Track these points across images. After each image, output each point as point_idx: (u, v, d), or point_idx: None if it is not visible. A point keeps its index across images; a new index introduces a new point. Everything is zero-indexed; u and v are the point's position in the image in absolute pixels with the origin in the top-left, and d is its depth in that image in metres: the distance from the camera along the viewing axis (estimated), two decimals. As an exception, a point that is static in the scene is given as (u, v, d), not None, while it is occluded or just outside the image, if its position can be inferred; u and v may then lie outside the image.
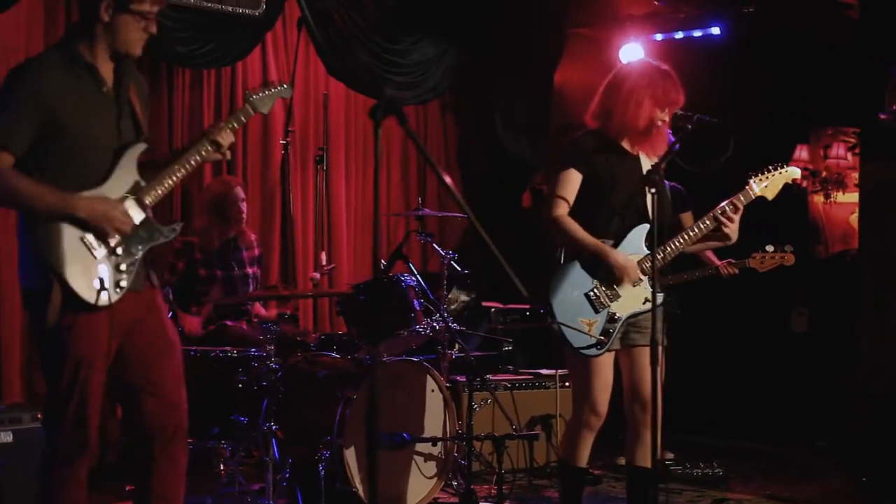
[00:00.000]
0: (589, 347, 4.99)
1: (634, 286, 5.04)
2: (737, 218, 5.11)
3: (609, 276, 5.01)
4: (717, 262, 6.61)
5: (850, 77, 7.84)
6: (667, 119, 5.06)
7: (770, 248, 6.02)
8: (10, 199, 4.05)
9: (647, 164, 5.14)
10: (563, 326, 4.96)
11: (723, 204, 5.15)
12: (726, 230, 5.14)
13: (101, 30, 4.13)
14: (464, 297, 7.54)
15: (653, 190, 4.75)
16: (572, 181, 5.07)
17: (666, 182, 6.99)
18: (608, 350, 5.04)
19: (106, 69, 4.20)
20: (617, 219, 5.07)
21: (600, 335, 4.99)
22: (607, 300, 5.02)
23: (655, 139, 5.09)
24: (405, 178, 9.19)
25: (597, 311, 5.02)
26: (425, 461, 6.16)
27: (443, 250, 7.05)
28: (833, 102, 8.49)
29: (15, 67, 4.16)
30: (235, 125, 4.45)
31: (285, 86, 4.68)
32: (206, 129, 4.47)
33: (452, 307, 7.41)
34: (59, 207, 4.01)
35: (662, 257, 5.08)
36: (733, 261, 6.46)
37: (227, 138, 4.38)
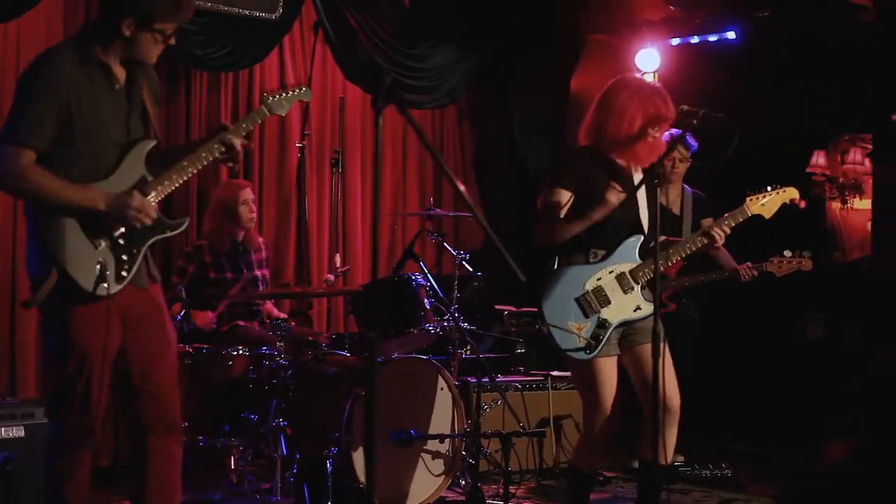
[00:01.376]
0: (577, 350, 5.03)
1: (626, 293, 5.07)
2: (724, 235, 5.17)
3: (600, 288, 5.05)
4: (736, 265, 6.59)
5: (866, 81, 7.84)
6: (658, 136, 5.09)
7: (787, 252, 6.03)
8: (34, 194, 4.11)
9: (639, 178, 5.18)
10: (552, 328, 5.00)
11: (717, 221, 5.20)
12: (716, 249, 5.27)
13: (120, 41, 4.19)
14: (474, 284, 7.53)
15: (656, 182, 4.79)
16: (561, 196, 5.10)
17: (687, 189, 7.07)
18: (607, 355, 5.06)
19: (118, 67, 4.25)
20: (611, 231, 5.09)
21: (590, 338, 5.02)
22: (597, 305, 5.05)
23: (649, 153, 5.10)
24: (421, 178, 9.20)
25: (587, 316, 5.04)
26: (433, 459, 6.18)
27: (455, 251, 7.07)
28: (850, 107, 8.48)
29: (32, 63, 4.21)
30: (250, 126, 4.49)
31: (304, 89, 4.72)
32: (222, 123, 4.50)
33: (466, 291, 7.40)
34: (80, 201, 4.08)
35: (650, 269, 5.11)
36: (752, 264, 6.45)
37: (238, 142, 4.42)
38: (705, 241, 5.17)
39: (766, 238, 6.13)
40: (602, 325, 5.03)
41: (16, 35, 6.84)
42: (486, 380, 6.50)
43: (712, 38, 9.22)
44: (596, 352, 5.01)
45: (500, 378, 7.24)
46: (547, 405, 7.34)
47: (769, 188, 5.23)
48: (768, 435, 8.32)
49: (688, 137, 6.73)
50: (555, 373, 7.54)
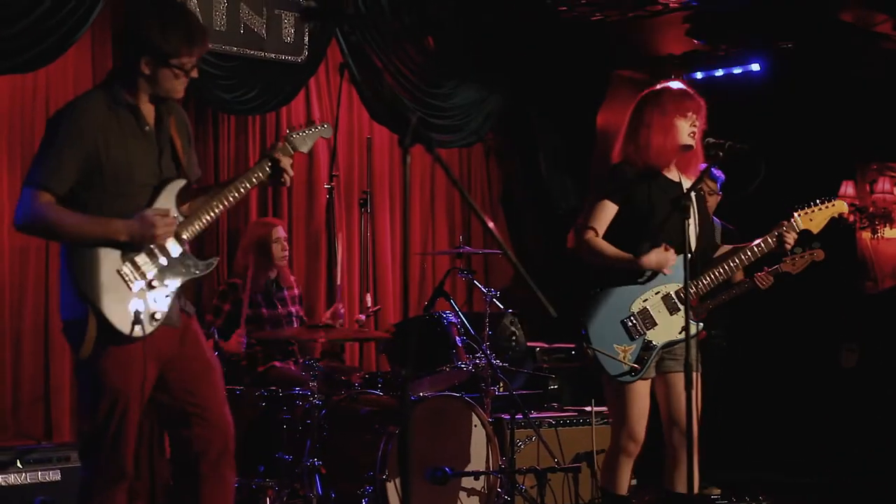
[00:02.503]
0: (623, 374, 5.01)
1: (672, 315, 5.04)
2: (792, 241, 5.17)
3: (643, 309, 5.02)
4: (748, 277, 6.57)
5: (892, 109, 7.83)
6: (697, 126, 5.09)
7: (798, 249, 6.02)
8: (52, 230, 4.15)
9: (687, 185, 5.14)
10: (597, 353, 4.98)
11: (758, 241, 5.17)
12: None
13: (142, 80, 4.23)
14: (514, 329, 7.53)
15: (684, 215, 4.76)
16: (606, 211, 5.09)
17: (717, 221, 7.05)
18: (643, 378, 5.04)
19: (147, 108, 4.29)
20: (659, 246, 5.05)
21: (634, 363, 5.00)
22: (643, 328, 5.03)
23: (691, 157, 5.12)
24: (450, 216, 9.23)
25: (632, 339, 5.02)
26: (468, 496, 6.17)
27: (485, 288, 7.08)
28: (877, 137, 8.47)
29: (60, 109, 4.27)
30: (270, 163, 4.51)
31: (325, 125, 4.75)
32: (268, 149, 4.54)
33: (503, 338, 7.40)
34: (99, 233, 4.10)
35: (703, 286, 5.11)
36: (767, 269, 6.43)
37: (287, 161, 4.46)
38: (775, 240, 5.14)
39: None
40: (647, 347, 5.01)
41: (45, 83, 6.91)
42: (519, 416, 6.49)
43: (737, 70, 9.26)
44: (640, 375, 5.00)
45: (534, 414, 7.22)
46: (581, 440, 7.30)
47: (818, 202, 5.21)
48: (805, 465, 8.27)
49: (713, 170, 6.73)
50: (588, 408, 7.51)
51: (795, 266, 6.15)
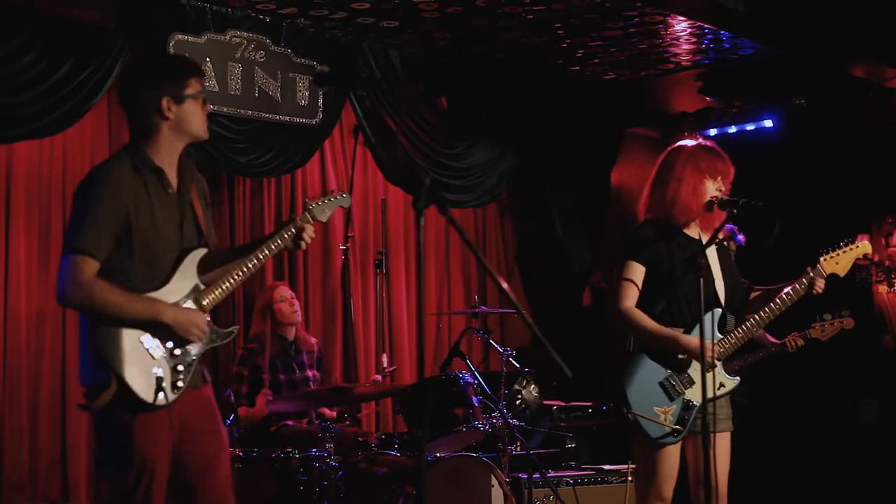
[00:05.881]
0: (665, 436, 4.95)
1: (708, 371, 4.99)
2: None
3: (681, 362, 4.99)
4: (775, 340, 6.51)
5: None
6: (723, 190, 5.06)
7: (827, 315, 5.98)
8: (100, 307, 4.08)
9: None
10: (638, 417, 4.93)
11: (787, 288, 5.13)
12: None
13: (166, 128, 4.25)
14: (535, 395, 7.51)
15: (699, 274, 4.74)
16: (636, 274, 5.04)
17: None
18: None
19: (171, 171, 4.30)
20: (685, 307, 5.02)
21: (676, 423, 4.95)
22: (682, 387, 4.98)
23: (713, 217, 5.06)
24: (465, 276, 9.24)
25: (672, 399, 4.97)
26: (487, 557, 6.13)
27: (501, 347, 7.07)
28: (893, 190, 8.47)
29: (90, 174, 4.26)
30: (294, 231, 4.52)
31: (344, 195, 4.75)
32: (291, 216, 4.59)
33: (523, 404, 7.38)
34: (145, 314, 4.10)
35: (735, 341, 5.06)
36: (797, 333, 6.37)
37: (310, 228, 4.49)
38: (804, 287, 5.09)
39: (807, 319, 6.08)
40: (687, 406, 4.96)
41: (62, 148, 6.98)
42: (537, 475, 6.46)
43: (750, 127, 9.29)
44: (682, 435, 4.95)
45: (551, 473, 7.18)
46: (600, 499, 7.24)
47: (841, 244, 5.18)
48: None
49: (737, 236, 6.71)
50: (606, 466, 7.47)
51: (825, 333, 6.05)
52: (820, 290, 5.11)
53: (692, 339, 4.89)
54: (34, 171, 6.90)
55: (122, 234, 4.13)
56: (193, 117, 4.29)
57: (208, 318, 4.28)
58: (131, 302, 4.09)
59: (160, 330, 4.15)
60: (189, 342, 4.22)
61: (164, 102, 4.21)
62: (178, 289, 4.24)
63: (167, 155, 4.29)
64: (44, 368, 6.83)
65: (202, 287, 4.31)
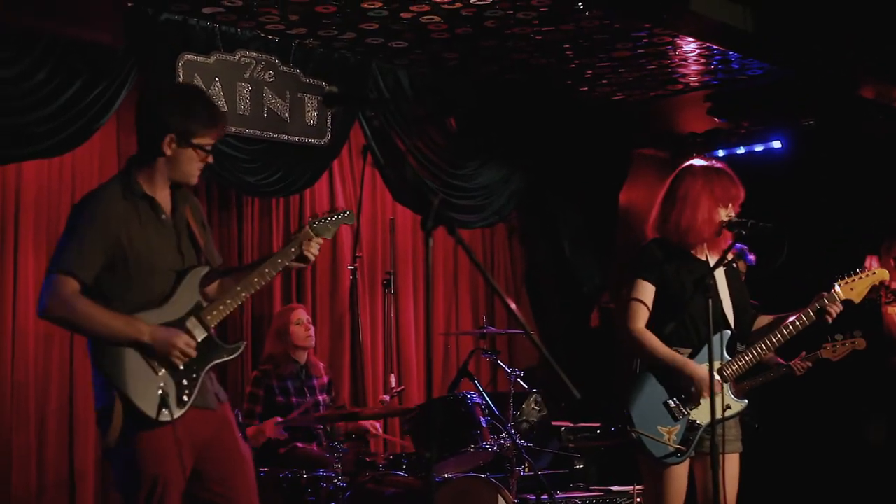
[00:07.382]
0: (668, 456, 4.91)
1: (715, 393, 4.97)
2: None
3: (686, 388, 4.97)
4: (783, 361, 6.48)
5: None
6: (732, 215, 5.04)
7: (839, 336, 5.95)
8: (77, 322, 4.13)
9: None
10: (642, 436, 4.91)
11: (798, 314, 5.10)
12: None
13: (161, 163, 4.24)
14: (535, 409, 7.49)
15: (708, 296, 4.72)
16: (645, 293, 4.99)
17: None
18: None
19: (163, 198, 4.30)
20: (692, 329, 4.98)
21: (680, 444, 4.92)
22: (687, 408, 4.97)
23: (721, 239, 5.02)
24: (473, 296, 9.24)
25: (676, 420, 4.93)
26: (495, 579, 6.11)
27: (509, 368, 7.07)
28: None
29: (81, 199, 4.28)
30: (297, 248, 4.52)
31: (349, 213, 4.74)
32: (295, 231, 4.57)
33: (524, 421, 7.37)
34: (125, 333, 4.09)
35: (744, 364, 5.04)
36: (806, 354, 6.33)
37: (315, 245, 4.48)
38: (815, 313, 5.03)
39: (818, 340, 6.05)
40: (692, 427, 4.92)
41: (70, 168, 7.00)
42: (545, 497, 6.44)
43: (758, 147, 9.29)
44: (686, 455, 4.93)
45: (560, 495, 7.17)
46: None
47: (857, 271, 5.15)
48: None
49: (747, 255, 6.69)
50: (615, 487, 7.46)
51: (836, 353, 6.02)
52: (833, 317, 5.07)
53: (700, 370, 4.86)
54: (43, 189, 6.92)
55: (117, 260, 4.13)
56: (188, 165, 4.27)
57: (206, 336, 4.26)
58: (113, 319, 4.08)
59: (156, 352, 4.14)
60: (194, 358, 4.21)
61: (168, 138, 4.20)
62: (179, 307, 4.24)
63: (158, 184, 4.28)
64: (52, 387, 6.84)
65: (205, 304, 4.30)
